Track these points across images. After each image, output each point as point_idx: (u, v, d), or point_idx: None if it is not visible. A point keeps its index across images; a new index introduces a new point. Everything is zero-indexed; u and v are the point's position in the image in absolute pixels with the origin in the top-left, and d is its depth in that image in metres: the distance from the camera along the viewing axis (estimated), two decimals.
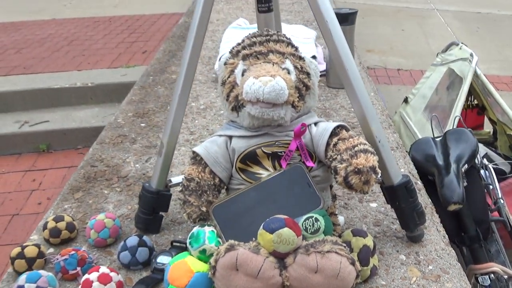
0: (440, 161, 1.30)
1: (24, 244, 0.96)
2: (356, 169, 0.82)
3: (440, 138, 1.41)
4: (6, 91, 3.09)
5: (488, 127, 2.57)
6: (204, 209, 0.92)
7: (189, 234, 0.90)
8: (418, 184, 1.21)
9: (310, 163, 0.90)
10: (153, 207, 1.01)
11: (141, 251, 0.93)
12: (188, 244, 0.89)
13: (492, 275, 1.25)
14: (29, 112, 3.09)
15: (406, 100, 2.72)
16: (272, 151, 0.91)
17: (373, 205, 1.11)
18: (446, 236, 1.03)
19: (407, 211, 0.94)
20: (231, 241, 0.82)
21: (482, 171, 1.54)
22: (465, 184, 1.27)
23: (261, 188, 0.90)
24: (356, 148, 0.84)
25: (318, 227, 0.84)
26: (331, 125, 0.91)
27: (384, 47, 4.35)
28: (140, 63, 3.52)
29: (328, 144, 0.89)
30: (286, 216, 0.82)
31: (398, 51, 4.30)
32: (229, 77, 0.93)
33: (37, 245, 0.95)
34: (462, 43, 2.47)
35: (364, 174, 0.82)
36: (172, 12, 4.89)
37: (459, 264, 0.94)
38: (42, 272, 0.87)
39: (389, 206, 1.08)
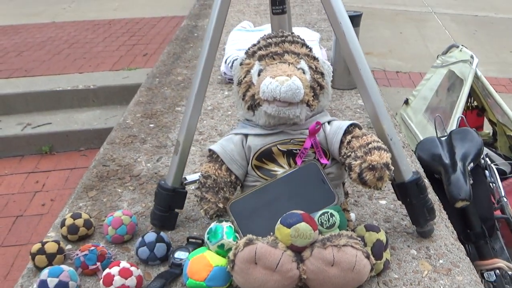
0: (446, 159, 1.33)
1: (44, 241, 0.98)
2: (370, 166, 0.85)
3: (446, 137, 1.44)
4: (8, 94, 3.11)
5: (487, 128, 2.60)
6: (221, 205, 0.95)
7: (207, 230, 0.92)
8: (425, 182, 1.24)
9: (324, 161, 0.93)
10: (169, 204, 1.03)
11: (159, 247, 0.95)
12: (206, 239, 0.92)
13: (498, 271, 1.28)
14: (32, 114, 3.11)
15: (406, 102, 2.75)
16: (287, 148, 0.94)
17: (383, 202, 1.14)
18: (455, 231, 1.05)
19: (418, 207, 0.96)
20: (250, 236, 0.84)
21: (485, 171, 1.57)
22: (471, 182, 1.29)
23: (276, 185, 0.92)
24: (370, 146, 0.87)
25: (334, 222, 0.87)
26: (345, 123, 0.94)
27: (383, 50, 4.39)
28: (142, 65, 3.54)
29: (342, 142, 0.92)
30: (302, 211, 0.85)
31: (397, 54, 4.34)
32: (245, 77, 0.96)
33: (57, 241, 0.98)
34: (462, 45, 2.51)
35: (378, 171, 0.85)
36: (172, 15, 4.92)
37: (468, 258, 0.97)
38: (63, 266, 0.90)
39: (398, 203, 1.12)
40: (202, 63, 0.97)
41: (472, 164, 1.32)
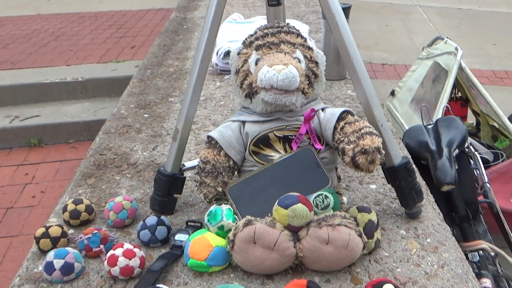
0: (433, 146, 1.39)
1: (48, 225, 1.01)
2: (363, 150, 0.90)
3: (432, 125, 1.50)
4: None
5: (471, 119, 2.67)
6: (220, 189, 0.99)
7: (207, 212, 0.96)
8: (414, 168, 1.29)
9: (318, 146, 0.98)
10: (168, 190, 1.07)
11: (160, 230, 0.99)
12: (206, 221, 0.96)
13: (481, 252, 1.34)
14: (20, 107, 3.11)
15: (393, 93, 2.81)
16: (283, 134, 0.99)
17: (373, 186, 1.19)
18: (441, 213, 1.11)
19: (406, 190, 1.02)
20: (249, 217, 0.89)
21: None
22: (456, 167, 1.35)
23: (273, 169, 0.97)
24: (362, 131, 0.92)
25: (328, 203, 0.92)
26: (338, 110, 0.99)
27: (369, 42, 4.45)
28: (130, 58, 3.55)
29: (335, 127, 0.97)
30: (298, 194, 0.89)
31: (383, 46, 4.41)
32: (242, 66, 1.00)
33: (60, 226, 1.01)
34: (447, 37, 2.57)
35: (370, 154, 0.90)
36: (158, 7, 4.92)
37: (454, 237, 1.03)
38: (69, 249, 0.93)
39: (387, 187, 1.17)
40: (201, 53, 1.00)
41: (457, 150, 1.38)
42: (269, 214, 0.90)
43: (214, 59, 1.95)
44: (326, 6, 0.94)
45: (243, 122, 1.01)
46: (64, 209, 1.07)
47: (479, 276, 1.30)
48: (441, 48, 2.52)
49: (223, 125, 1.03)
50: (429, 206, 1.11)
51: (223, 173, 0.99)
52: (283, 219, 0.87)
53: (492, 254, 1.39)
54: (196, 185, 1.03)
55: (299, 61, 0.97)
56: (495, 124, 2.35)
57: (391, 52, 4.29)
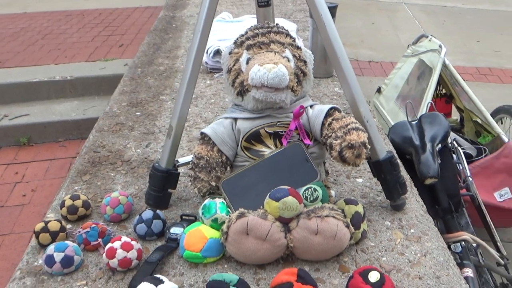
0: (417, 141, 1.44)
1: (46, 220, 1.04)
2: (349, 144, 0.94)
3: (416, 121, 1.55)
4: None
5: (455, 115, 2.72)
6: (213, 183, 1.03)
7: (201, 206, 1.00)
8: (398, 162, 1.35)
9: (307, 141, 1.02)
10: (163, 185, 1.11)
11: (156, 223, 1.03)
12: (200, 215, 1.00)
13: (463, 243, 1.40)
14: (8, 106, 3.10)
15: (379, 90, 2.86)
16: (274, 130, 1.03)
17: (360, 180, 1.24)
18: (424, 205, 1.16)
19: (391, 183, 1.06)
20: (241, 209, 0.93)
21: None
22: (439, 161, 1.41)
23: (264, 164, 1.01)
24: (349, 127, 0.97)
25: (317, 196, 0.96)
26: (326, 107, 1.03)
27: (356, 40, 4.51)
28: (118, 56, 3.55)
29: (323, 124, 1.01)
30: (289, 187, 0.94)
31: (369, 43, 4.47)
32: (234, 65, 1.04)
33: (59, 220, 1.04)
34: (431, 35, 2.63)
35: (356, 149, 0.94)
36: (145, 5, 4.92)
37: (436, 228, 1.08)
38: (68, 242, 0.97)
39: (374, 181, 1.22)
40: (193, 53, 1.04)
41: (440, 145, 1.43)
42: (261, 207, 0.94)
43: (204, 57, 1.98)
44: (313, 6, 0.99)
45: (235, 119, 1.06)
46: (62, 205, 1.10)
47: (461, 266, 1.36)
48: (425, 45, 2.58)
49: (216, 122, 1.07)
50: (413, 199, 1.16)
51: (216, 168, 1.03)
52: (274, 211, 0.92)
53: (474, 245, 1.45)
54: (190, 180, 1.07)
55: (288, 60, 1.01)
56: (478, 120, 2.41)
57: (377, 49, 4.35)
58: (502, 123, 2.50)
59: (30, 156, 2.85)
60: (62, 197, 1.18)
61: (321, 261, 0.96)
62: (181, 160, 1.16)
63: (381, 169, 1.06)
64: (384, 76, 3.34)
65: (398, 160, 1.34)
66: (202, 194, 1.05)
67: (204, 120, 1.60)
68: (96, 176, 1.30)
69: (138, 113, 1.67)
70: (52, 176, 2.63)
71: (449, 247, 1.40)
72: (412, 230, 1.05)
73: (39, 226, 1.02)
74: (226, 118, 1.07)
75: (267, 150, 1.03)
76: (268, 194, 0.93)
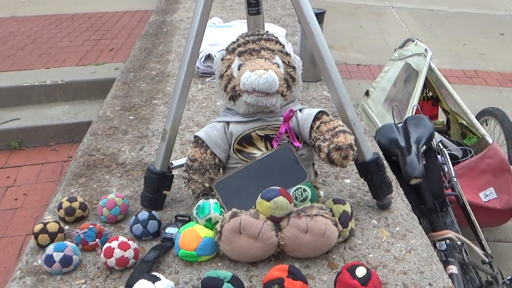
0: (402, 143, 1.49)
1: (45, 221, 1.07)
2: (337, 146, 0.99)
3: (402, 124, 1.60)
4: None
5: (442, 117, 2.78)
6: (207, 185, 1.07)
7: (196, 206, 1.04)
8: (384, 161, 1.40)
9: (297, 144, 1.07)
10: (157, 187, 1.14)
11: (152, 224, 1.07)
12: (195, 215, 1.04)
13: (448, 241, 1.45)
14: None
15: (367, 93, 2.92)
16: (264, 133, 1.07)
17: (347, 181, 1.29)
18: (410, 204, 1.21)
19: (377, 183, 1.11)
20: (234, 209, 0.97)
21: (438, 155, 1.74)
22: (424, 162, 1.46)
23: (256, 166, 1.06)
24: (336, 129, 1.01)
25: (306, 196, 1.01)
26: (314, 110, 1.08)
27: (344, 43, 4.56)
28: (109, 60, 3.57)
29: (312, 127, 1.06)
30: (279, 187, 0.98)
31: (357, 47, 4.53)
32: (226, 71, 1.08)
33: (57, 222, 1.07)
34: (417, 39, 2.69)
35: (343, 151, 0.99)
36: (135, 9, 4.92)
37: (420, 226, 1.13)
38: (67, 242, 1.00)
39: (361, 181, 1.26)
40: (187, 59, 1.08)
41: (424, 147, 1.49)
42: (253, 207, 0.99)
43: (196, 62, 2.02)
44: (301, 14, 1.03)
45: (228, 123, 1.10)
46: (59, 207, 1.13)
47: (446, 263, 1.41)
48: (411, 49, 2.63)
49: (209, 125, 1.12)
50: (398, 198, 1.21)
51: (210, 170, 1.08)
52: (266, 211, 0.96)
53: (459, 243, 1.50)
54: (185, 182, 1.11)
55: (278, 66, 1.05)
56: (464, 122, 2.47)
57: (366, 52, 4.41)
58: (487, 125, 2.57)
59: (22, 160, 2.85)
60: (59, 199, 1.21)
61: (311, 258, 1.00)
62: (175, 162, 1.20)
63: (368, 169, 1.10)
64: (372, 79, 3.40)
65: (385, 161, 1.39)
66: (196, 195, 1.09)
67: (196, 123, 1.64)
68: (91, 179, 1.33)
69: (131, 117, 1.70)
70: (44, 180, 2.65)
71: (434, 245, 1.45)
72: (397, 228, 1.10)
73: (38, 227, 1.05)
74: (218, 121, 1.11)
75: (259, 152, 1.08)
76: (260, 195, 0.97)
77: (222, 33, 2.25)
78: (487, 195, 2.07)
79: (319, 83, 1.96)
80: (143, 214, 1.07)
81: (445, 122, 2.72)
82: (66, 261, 0.97)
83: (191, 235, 0.99)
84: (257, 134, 1.07)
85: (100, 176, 1.34)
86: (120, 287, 0.95)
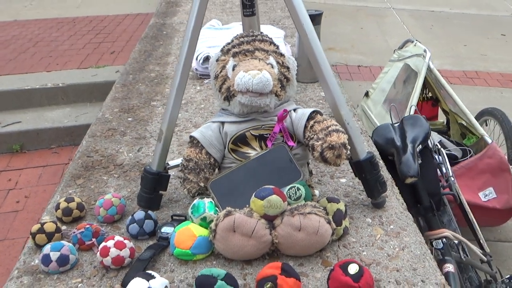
0: (398, 142, 1.50)
1: (43, 221, 1.09)
2: (330, 145, 1.00)
3: (398, 123, 1.61)
4: None
5: (442, 118, 2.78)
6: (202, 184, 1.08)
7: (191, 206, 1.06)
8: (380, 163, 1.41)
9: (291, 143, 1.08)
10: (154, 187, 1.16)
11: (148, 223, 1.08)
12: (190, 214, 1.05)
13: (444, 240, 1.45)
14: (1, 113, 3.11)
15: (367, 94, 2.92)
16: (259, 133, 1.08)
17: (343, 180, 1.30)
18: (404, 203, 1.22)
19: (371, 182, 1.12)
20: (228, 208, 0.98)
21: (436, 155, 1.74)
22: (420, 161, 1.46)
23: (250, 165, 1.07)
24: (329, 128, 1.02)
25: (300, 194, 1.02)
26: (308, 110, 1.09)
27: (345, 45, 4.57)
28: (110, 63, 3.58)
29: (305, 126, 1.07)
30: (273, 186, 0.99)
31: (358, 48, 4.53)
32: (221, 71, 1.09)
33: (54, 222, 1.09)
34: (416, 40, 2.69)
35: (336, 149, 1.00)
36: (136, 12, 4.94)
37: (415, 224, 1.13)
38: (64, 242, 1.01)
39: (356, 180, 1.27)
40: (182, 60, 1.09)
41: (420, 146, 1.49)
42: (247, 205, 0.99)
43: (194, 64, 2.04)
44: (295, 16, 1.04)
45: (222, 123, 1.11)
46: (57, 207, 1.15)
47: (442, 261, 1.41)
48: (410, 50, 2.64)
49: (204, 126, 1.13)
50: (393, 197, 1.22)
51: (205, 170, 1.09)
52: (259, 209, 0.97)
53: (456, 242, 1.50)
54: (180, 182, 1.12)
55: (272, 67, 1.07)
56: (463, 122, 2.47)
57: (367, 54, 4.41)
58: (486, 125, 2.57)
59: (23, 163, 2.87)
60: (57, 200, 1.22)
61: (305, 256, 1.01)
62: (171, 163, 1.21)
63: (362, 168, 1.11)
64: (373, 81, 3.39)
65: (381, 161, 1.40)
66: (191, 194, 1.11)
67: (194, 125, 1.65)
68: (89, 180, 1.34)
69: (130, 119, 1.71)
70: (45, 183, 2.66)
71: (431, 244, 1.46)
72: (391, 226, 1.11)
73: (36, 227, 1.06)
74: (214, 122, 1.12)
75: (253, 152, 1.09)
76: (254, 193, 0.98)
77: (221, 35, 2.26)
78: (487, 195, 2.07)
79: (316, 84, 1.97)
80: (139, 214, 1.09)
81: (445, 122, 2.73)
82: (63, 260, 0.98)
83: (186, 234, 1.01)
84: (252, 134, 1.09)
85: (98, 177, 1.35)
86: (116, 285, 0.96)
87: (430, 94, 2.72)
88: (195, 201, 1.05)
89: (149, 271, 0.92)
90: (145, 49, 2.48)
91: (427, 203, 1.49)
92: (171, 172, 1.23)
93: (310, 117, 1.08)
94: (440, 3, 5.95)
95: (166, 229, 1.07)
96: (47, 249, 0.99)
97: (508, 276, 1.78)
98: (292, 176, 1.05)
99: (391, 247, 1.04)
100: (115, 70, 3.36)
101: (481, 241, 1.79)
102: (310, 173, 1.18)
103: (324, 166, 1.34)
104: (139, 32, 4.21)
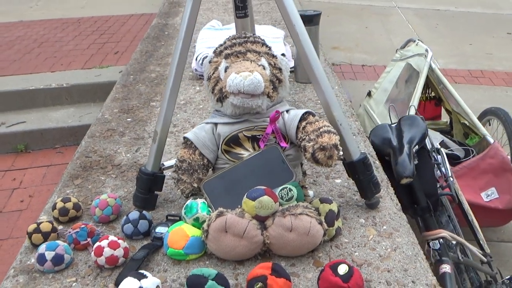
0: (395, 143, 1.50)
1: (39, 221, 1.10)
2: (321, 146, 1.00)
3: (395, 124, 1.61)
4: None
5: (445, 117, 2.78)
6: (195, 185, 1.09)
7: (184, 206, 1.07)
8: (376, 164, 1.41)
9: (283, 144, 1.08)
10: (149, 187, 1.17)
11: (142, 223, 1.09)
12: (183, 214, 1.06)
13: (442, 240, 1.45)
14: (5, 113, 3.14)
15: (369, 94, 2.92)
16: (251, 134, 1.09)
17: (338, 181, 1.30)
18: (399, 204, 1.22)
19: (365, 182, 1.12)
20: (220, 209, 0.99)
21: (435, 155, 1.74)
22: (416, 162, 1.46)
23: (243, 166, 1.07)
24: (321, 130, 1.03)
25: (292, 195, 1.02)
26: (300, 111, 1.09)
27: (349, 44, 4.56)
28: (114, 63, 3.60)
29: (298, 127, 1.08)
30: (265, 187, 1.00)
31: (363, 47, 4.52)
32: (213, 73, 1.10)
33: (50, 222, 1.10)
34: (418, 39, 2.69)
35: (328, 150, 1.00)
36: (141, 13, 4.96)
37: (408, 225, 1.14)
38: (59, 242, 1.03)
39: (351, 181, 1.28)
40: (176, 60, 1.10)
41: (417, 147, 1.49)
42: (239, 206, 1.00)
43: (194, 64, 2.05)
44: (286, 17, 1.05)
45: (216, 124, 1.12)
46: (54, 207, 1.16)
47: (440, 262, 1.41)
48: (412, 50, 2.64)
49: (198, 127, 1.14)
50: (387, 198, 1.22)
51: (198, 171, 1.10)
52: (251, 210, 0.98)
53: (453, 242, 1.50)
54: (174, 182, 1.13)
55: (264, 68, 1.07)
56: (466, 122, 2.47)
57: (371, 53, 4.40)
58: (490, 125, 2.56)
59: (27, 162, 2.89)
60: (54, 200, 1.24)
61: (296, 257, 1.02)
62: (166, 163, 1.22)
63: (355, 169, 1.11)
64: (377, 80, 3.39)
65: (377, 161, 1.40)
66: (185, 195, 1.12)
67: (192, 125, 1.66)
68: (87, 180, 1.36)
69: (129, 119, 1.73)
70: (49, 182, 2.68)
71: (428, 245, 1.46)
72: (384, 227, 1.11)
73: (32, 227, 1.08)
74: (207, 123, 1.13)
75: (246, 153, 1.09)
76: (246, 194, 0.99)
77: (221, 35, 2.26)
78: (489, 195, 2.07)
79: None
80: (134, 214, 1.10)
81: (448, 122, 2.72)
82: (58, 259, 1.00)
83: (179, 234, 1.02)
84: (244, 135, 1.09)
85: (95, 177, 1.37)
86: (110, 284, 0.97)
87: (433, 94, 2.71)
88: (188, 202, 1.07)
89: (142, 271, 0.93)
90: (146, 50, 2.50)
91: (424, 204, 1.48)
92: (167, 173, 1.24)
93: (303, 118, 1.09)
94: (445, 1, 5.93)
95: (160, 229, 1.08)
96: (42, 248, 1.00)
97: (509, 276, 1.77)
98: (284, 177, 1.06)
99: (383, 247, 1.04)
100: (119, 71, 3.38)
101: (481, 241, 1.79)
102: (304, 173, 1.19)
103: (319, 167, 1.34)
104: (143, 32, 4.22)
